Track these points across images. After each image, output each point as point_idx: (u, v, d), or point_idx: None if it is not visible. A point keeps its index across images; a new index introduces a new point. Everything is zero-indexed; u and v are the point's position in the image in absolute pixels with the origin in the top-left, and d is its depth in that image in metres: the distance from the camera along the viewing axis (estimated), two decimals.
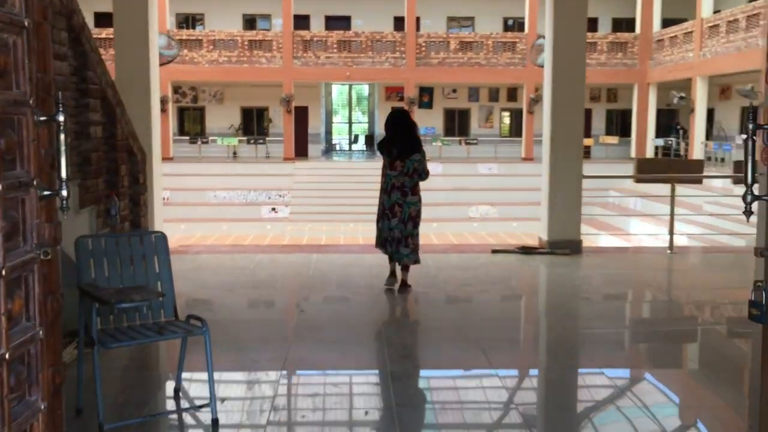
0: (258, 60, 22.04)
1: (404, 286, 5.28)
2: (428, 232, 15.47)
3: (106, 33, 20.88)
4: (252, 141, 23.06)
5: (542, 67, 7.40)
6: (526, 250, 6.96)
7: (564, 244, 6.86)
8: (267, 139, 23.64)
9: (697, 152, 19.55)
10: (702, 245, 9.24)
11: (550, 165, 6.91)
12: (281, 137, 22.60)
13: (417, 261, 5.32)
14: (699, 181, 6.93)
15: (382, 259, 6.29)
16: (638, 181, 7.46)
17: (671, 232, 6.90)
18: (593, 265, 6.62)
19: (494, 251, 6.99)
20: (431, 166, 5.71)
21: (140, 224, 4.90)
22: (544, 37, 6.86)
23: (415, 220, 5.29)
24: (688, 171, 6.72)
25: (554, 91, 6.84)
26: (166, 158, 22.03)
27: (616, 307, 5.47)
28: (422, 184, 5.33)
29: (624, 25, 24.61)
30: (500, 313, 5.16)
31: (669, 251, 6.88)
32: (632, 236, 15.74)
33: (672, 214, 6.93)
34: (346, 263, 6.55)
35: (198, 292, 5.47)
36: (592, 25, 24.71)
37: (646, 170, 6.89)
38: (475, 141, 23.25)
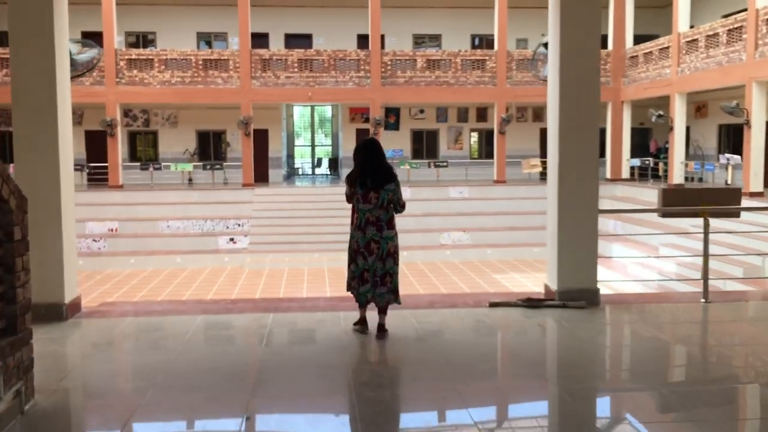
0: (214, 80, 20.56)
1: (382, 330, 4.81)
2: (408, 275, 14.14)
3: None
4: (208, 166, 21.50)
5: (546, 80, 6.14)
6: (531, 303, 5.63)
7: (578, 295, 5.56)
8: (225, 164, 22.10)
9: (677, 173, 18.61)
10: (739, 289, 8.03)
11: (559, 197, 5.60)
12: (240, 162, 21.10)
13: (397, 301, 4.93)
14: (737, 214, 5.74)
15: (355, 318, 4.94)
16: (665, 215, 6.20)
17: (705, 278, 5.64)
18: (618, 322, 5.34)
19: (493, 304, 5.65)
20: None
21: (15, 298, 3.42)
22: (545, 45, 5.65)
23: (394, 256, 4.90)
24: (724, 201, 5.49)
25: (563, 108, 5.57)
26: (115, 186, 20.40)
27: (662, 383, 4.13)
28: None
29: None
30: (514, 397, 3.81)
31: (703, 300, 5.62)
32: (646, 274, 14.61)
33: (706, 255, 5.68)
34: (311, 328, 5.14)
35: (100, 385, 3.97)
36: None
37: (674, 202, 5.65)
38: (444, 164, 22.07)
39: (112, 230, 18.28)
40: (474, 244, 18.31)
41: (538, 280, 14.00)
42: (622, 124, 21.49)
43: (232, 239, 18.07)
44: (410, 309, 5.51)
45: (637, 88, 20.64)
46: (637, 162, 21.05)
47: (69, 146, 5.44)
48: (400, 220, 5.17)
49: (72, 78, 6.02)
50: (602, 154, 23.40)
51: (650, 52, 20.03)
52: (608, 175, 21.63)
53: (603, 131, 23.91)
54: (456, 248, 18.07)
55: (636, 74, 20.83)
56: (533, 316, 5.35)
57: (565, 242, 5.61)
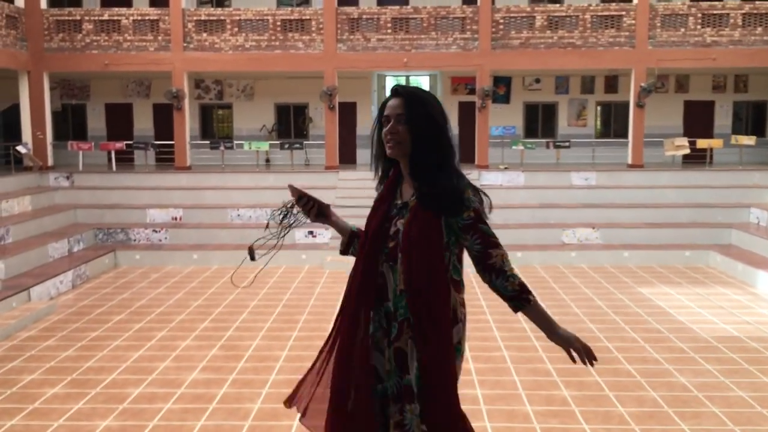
0: (294, 44, 18.41)
1: None
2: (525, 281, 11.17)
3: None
4: (287, 145, 19.45)
5: None
6: None
7: None
8: (306, 142, 20.01)
9: None
10: None
11: None
12: (323, 140, 18.95)
13: None
14: None
15: None
16: None
17: None
18: None
19: None
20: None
21: None
22: None
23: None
24: None
25: None
26: (181, 167, 18.68)
27: None
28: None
29: None
30: None
31: None
32: None
33: None
34: None
35: None
36: None
37: None
38: (567, 144, 19.10)
39: (175, 219, 16.53)
40: (606, 245, 15.39)
41: (707, 302, 11.02)
42: None
43: (311, 232, 15.93)
44: None
45: None
46: None
47: None
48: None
49: None
50: (760, 132, 19.90)
51: None
52: None
53: (764, 105, 20.30)
54: (583, 249, 15.19)
55: None
56: None
57: None
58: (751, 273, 12.59)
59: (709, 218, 15.94)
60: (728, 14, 17.95)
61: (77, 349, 8.62)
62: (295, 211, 2.87)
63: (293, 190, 2.90)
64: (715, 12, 17.98)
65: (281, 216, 2.87)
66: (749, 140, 18.21)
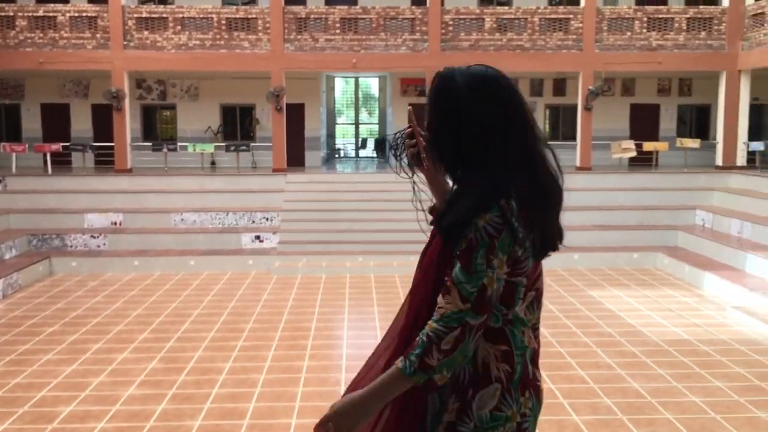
0: (239, 44, 17.98)
1: None
2: None
3: None
4: (233, 147, 18.99)
5: None
6: None
7: None
8: (252, 144, 19.58)
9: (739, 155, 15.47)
10: None
11: None
12: (270, 142, 18.56)
13: None
14: None
15: None
16: None
17: None
18: None
19: None
20: None
21: None
22: None
23: None
24: None
25: None
26: (122, 170, 18.06)
27: None
28: None
29: None
30: None
31: None
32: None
33: None
34: None
35: None
36: None
37: None
38: None
39: (115, 224, 15.94)
40: None
41: (656, 305, 11.05)
42: (738, 99, 18.21)
43: (258, 237, 15.54)
44: None
45: (762, 53, 17.31)
46: (760, 146, 17.77)
47: None
48: None
49: None
50: (703, 135, 20.28)
51: None
52: (719, 162, 18.44)
53: (706, 108, 20.72)
54: None
55: (761, 37, 17.49)
56: None
57: None
58: (698, 275, 12.74)
59: (656, 220, 16.12)
60: (673, 18, 18.24)
61: (5, 364, 8.11)
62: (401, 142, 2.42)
63: (410, 119, 2.38)
64: (660, 16, 18.25)
65: (396, 142, 2.44)
66: (694, 143, 18.52)
